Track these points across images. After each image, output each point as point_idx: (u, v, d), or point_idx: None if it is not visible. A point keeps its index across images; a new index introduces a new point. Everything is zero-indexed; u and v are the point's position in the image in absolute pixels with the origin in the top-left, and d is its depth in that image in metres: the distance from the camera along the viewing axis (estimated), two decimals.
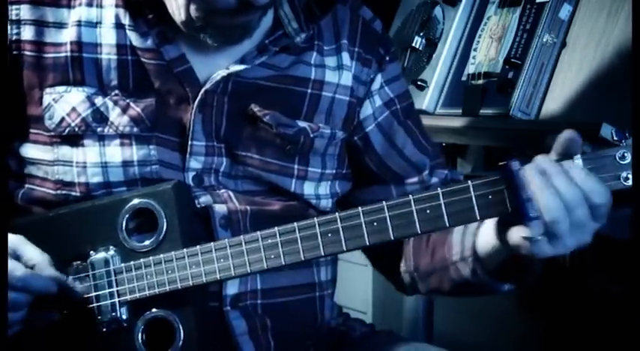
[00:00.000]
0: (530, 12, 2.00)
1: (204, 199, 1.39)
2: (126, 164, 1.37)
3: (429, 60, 2.23)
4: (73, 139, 1.37)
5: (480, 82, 2.05)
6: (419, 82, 2.20)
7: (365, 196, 1.52)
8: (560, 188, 1.15)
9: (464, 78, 2.11)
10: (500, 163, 1.18)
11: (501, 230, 1.24)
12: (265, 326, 1.41)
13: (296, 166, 1.45)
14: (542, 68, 1.94)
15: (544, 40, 1.94)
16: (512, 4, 2.05)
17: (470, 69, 2.10)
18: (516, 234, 1.19)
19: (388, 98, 1.53)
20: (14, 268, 1.28)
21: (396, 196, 1.44)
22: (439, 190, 1.20)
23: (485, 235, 1.32)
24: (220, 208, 1.38)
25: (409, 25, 2.31)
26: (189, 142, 1.39)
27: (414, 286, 1.52)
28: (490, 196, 1.18)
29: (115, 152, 1.37)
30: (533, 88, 1.94)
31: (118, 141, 1.37)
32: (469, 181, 1.20)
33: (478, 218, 1.20)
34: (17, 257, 1.31)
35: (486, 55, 2.07)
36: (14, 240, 1.32)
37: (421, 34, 2.26)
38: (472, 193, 1.19)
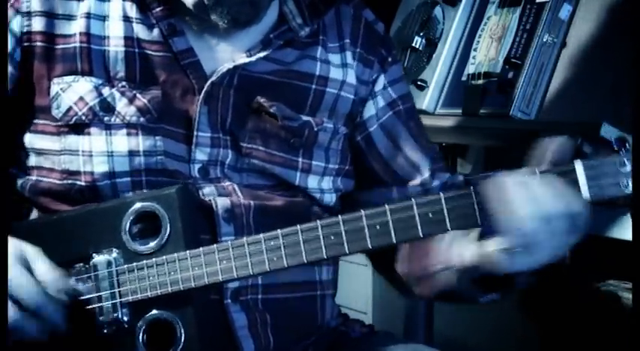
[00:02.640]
0: (530, 12, 2.00)
1: (208, 191, 1.39)
2: (132, 154, 1.38)
3: (429, 60, 2.23)
4: (80, 128, 1.38)
5: (480, 82, 2.05)
6: (419, 82, 2.20)
7: (367, 198, 1.53)
8: (541, 198, 1.17)
9: (464, 78, 2.11)
10: (484, 174, 1.21)
11: (483, 242, 1.25)
12: (265, 322, 1.41)
13: (300, 160, 1.46)
14: (542, 68, 1.94)
15: (544, 40, 1.94)
16: (512, 4, 2.05)
17: (470, 69, 2.10)
18: (492, 246, 1.21)
19: (391, 99, 1.54)
20: (29, 286, 1.27)
21: (397, 199, 1.45)
22: (441, 195, 1.21)
23: (469, 245, 1.33)
24: (224, 202, 1.38)
25: (409, 25, 2.31)
26: (195, 133, 1.40)
27: (408, 290, 1.51)
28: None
29: (121, 141, 1.38)
30: (533, 88, 1.94)
31: (124, 131, 1.38)
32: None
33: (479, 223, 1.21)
34: (29, 270, 1.29)
35: (486, 55, 2.07)
36: (30, 252, 1.30)
37: (421, 34, 2.26)
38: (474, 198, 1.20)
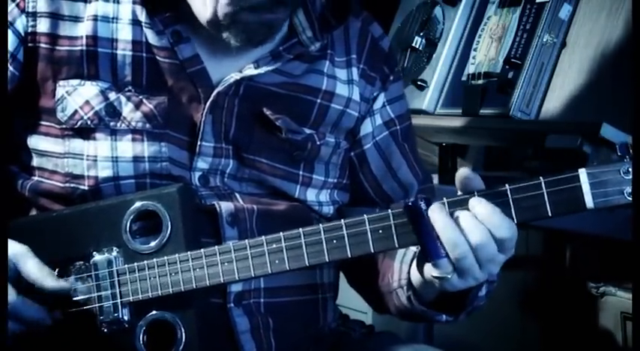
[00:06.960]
0: (530, 12, 2.01)
1: (210, 200, 1.39)
2: (137, 160, 1.37)
3: (429, 60, 2.23)
4: (85, 132, 1.38)
5: (480, 82, 2.05)
6: (419, 82, 2.20)
7: (349, 214, 1.50)
8: (464, 226, 1.16)
9: (464, 78, 2.11)
10: (407, 203, 1.19)
11: (420, 265, 1.25)
12: (267, 326, 1.41)
13: (301, 173, 1.46)
14: (542, 68, 1.94)
15: (544, 40, 1.94)
16: (512, 4, 2.06)
17: (470, 69, 2.10)
18: (428, 272, 1.21)
19: (389, 118, 1.54)
20: (9, 293, 1.25)
21: None
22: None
23: (403, 266, 1.35)
24: (228, 206, 1.38)
25: (409, 25, 2.31)
26: (199, 143, 1.39)
27: (378, 305, 1.52)
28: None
29: (126, 147, 1.37)
30: (533, 88, 1.94)
31: (129, 136, 1.38)
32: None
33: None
34: (17, 272, 1.28)
35: (486, 55, 2.07)
36: (18, 251, 1.29)
37: (421, 34, 2.26)
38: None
